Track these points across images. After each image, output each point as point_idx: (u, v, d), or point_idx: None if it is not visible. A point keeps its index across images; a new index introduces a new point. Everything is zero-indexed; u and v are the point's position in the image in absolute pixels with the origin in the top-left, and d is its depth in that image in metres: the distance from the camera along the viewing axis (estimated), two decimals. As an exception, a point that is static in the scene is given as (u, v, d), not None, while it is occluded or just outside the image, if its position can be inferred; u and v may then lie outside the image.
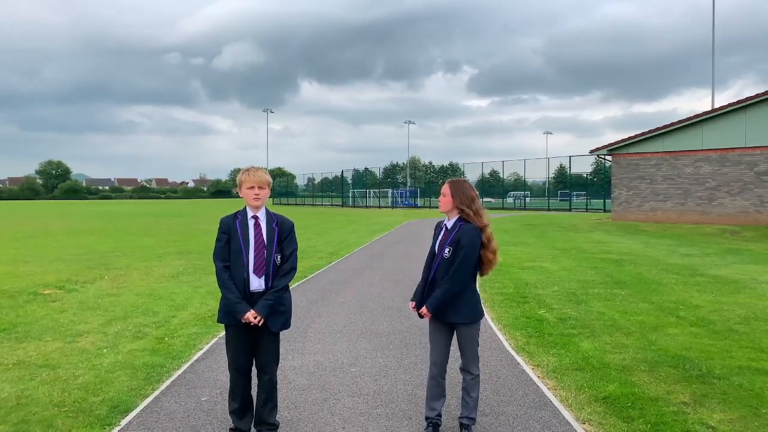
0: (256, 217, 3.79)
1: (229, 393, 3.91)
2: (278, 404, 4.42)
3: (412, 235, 21.46)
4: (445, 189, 3.93)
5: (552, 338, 6.40)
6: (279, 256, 3.80)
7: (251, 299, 3.72)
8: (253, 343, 3.83)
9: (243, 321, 3.67)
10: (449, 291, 3.79)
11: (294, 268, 3.85)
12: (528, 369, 5.37)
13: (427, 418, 3.95)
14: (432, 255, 3.97)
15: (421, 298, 3.95)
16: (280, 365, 5.36)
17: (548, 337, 6.48)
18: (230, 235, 3.74)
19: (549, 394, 4.69)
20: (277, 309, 3.78)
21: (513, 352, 5.93)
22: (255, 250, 3.73)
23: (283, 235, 3.83)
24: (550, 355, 5.78)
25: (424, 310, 3.87)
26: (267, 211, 3.86)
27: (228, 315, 3.74)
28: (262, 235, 3.76)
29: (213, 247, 3.81)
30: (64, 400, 4.54)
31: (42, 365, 5.44)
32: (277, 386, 3.98)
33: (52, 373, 5.20)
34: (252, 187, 3.76)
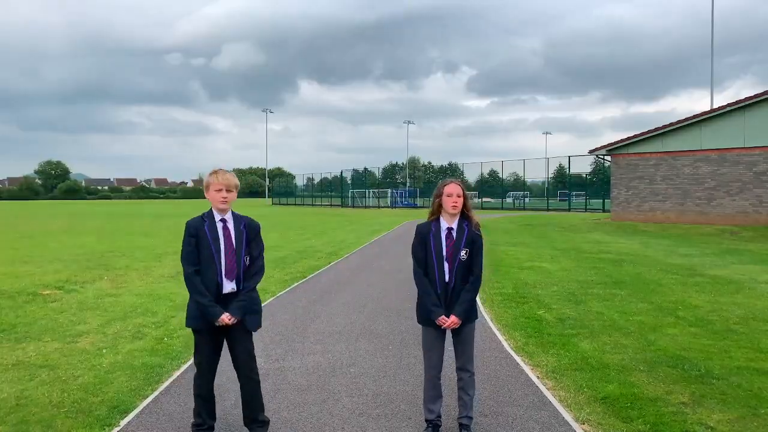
0: (224, 220, 3.78)
1: (198, 396, 3.85)
2: (278, 404, 4.44)
3: (412, 235, 21.43)
4: (459, 190, 3.80)
5: (551, 338, 6.41)
6: (248, 258, 3.81)
7: (224, 302, 3.72)
8: (221, 346, 3.86)
9: (218, 324, 3.68)
10: (478, 290, 3.88)
11: (262, 268, 3.89)
12: (527, 369, 5.38)
13: (427, 420, 3.95)
14: (440, 262, 3.81)
15: (446, 308, 3.81)
16: (280, 365, 5.39)
17: (547, 337, 6.48)
18: (199, 238, 3.71)
19: (548, 394, 4.70)
20: (251, 309, 3.81)
21: (512, 352, 5.93)
22: (225, 253, 3.72)
23: (251, 236, 3.84)
24: (549, 356, 5.78)
25: (456, 319, 3.75)
26: (234, 213, 3.85)
27: (198, 319, 3.72)
28: (231, 238, 3.75)
29: (181, 252, 3.76)
30: (64, 400, 4.55)
31: (41, 366, 5.44)
32: (260, 383, 3.97)
33: (52, 374, 5.20)
34: (219, 190, 3.73)
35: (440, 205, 3.87)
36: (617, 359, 5.59)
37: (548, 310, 7.94)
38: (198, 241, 3.71)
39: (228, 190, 3.74)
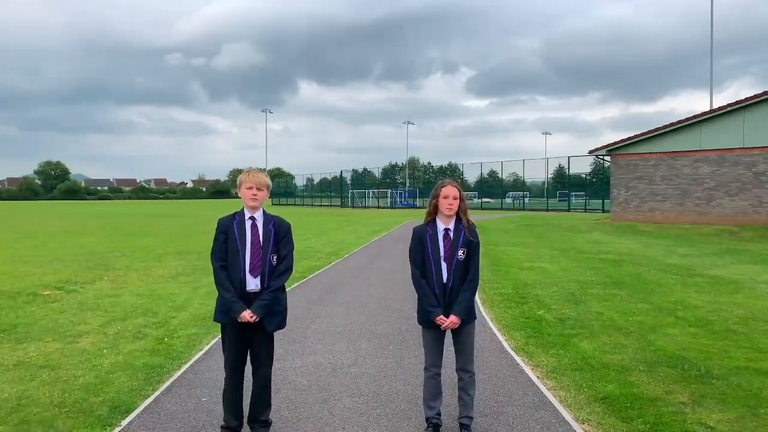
0: (253, 218, 3.85)
1: (223, 393, 3.95)
2: (279, 404, 4.44)
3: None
4: (456, 192, 3.83)
5: (551, 338, 6.42)
6: (275, 257, 3.85)
7: (248, 299, 3.78)
8: (249, 342, 3.90)
9: (239, 320, 3.74)
10: (475, 290, 3.91)
11: (289, 269, 3.92)
12: (527, 369, 5.39)
13: (427, 419, 3.96)
14: (437, 264, 3.84)
15: (445, 309, 3.83)
16: (280, 365, 5.39)
17: (547, 337, 6.49)
18: (227, 235, 3.82)
19: (548, 394, 4.71)
20: (273, 309, 3.85)
21: (512, 353, 5.94)
22: (251, 251, 3.79)
23: (279, 236, 3.88)
24: (549, 356, 5.79)
25: (456, 319, 3.79)
26: (264, 213, 3.91)
27: (224, 314, 3.81)
28: (258, 235, 3.82)
29: (211, 247, 3.87)
30: (65, 400, 4.56)
31: (42, 366, 5.44)
32: (271, 385, 4.01)
33: (53, 374, 5.21)
34: (250, 188, 3.83)
35: (437, 207, 3.88)
36: (617, 359, 5.60)
37: (548, 310, 7.95)
38: (227, 238, 3.81)
39: (258, 189, 3.84)
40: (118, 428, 4.07)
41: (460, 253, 3.83)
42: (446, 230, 3.88)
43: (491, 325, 7.16)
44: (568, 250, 15.75)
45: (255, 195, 3.83)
